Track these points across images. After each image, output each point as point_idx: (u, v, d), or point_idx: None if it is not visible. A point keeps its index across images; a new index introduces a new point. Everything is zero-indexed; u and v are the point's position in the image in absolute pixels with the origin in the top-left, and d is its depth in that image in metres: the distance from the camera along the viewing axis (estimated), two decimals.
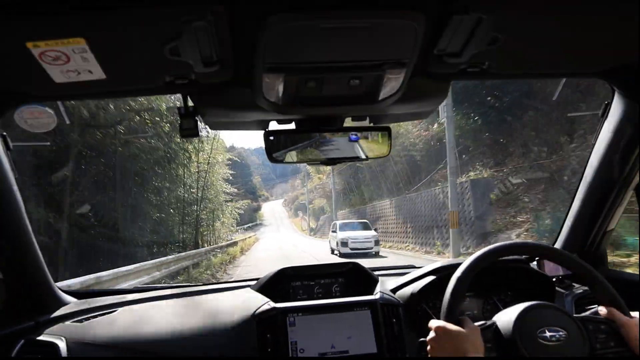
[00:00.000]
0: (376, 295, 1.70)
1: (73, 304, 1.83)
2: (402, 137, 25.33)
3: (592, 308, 1.29)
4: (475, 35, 1.00)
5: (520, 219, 14.98)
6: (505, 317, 1.22)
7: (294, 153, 1.39)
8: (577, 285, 1.77)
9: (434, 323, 1.20)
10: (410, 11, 0.92)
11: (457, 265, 1.31)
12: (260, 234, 54.95)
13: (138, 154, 14.96)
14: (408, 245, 22.67)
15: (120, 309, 1.78)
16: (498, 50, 1.09)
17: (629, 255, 7.60)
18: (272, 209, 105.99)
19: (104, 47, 0.96)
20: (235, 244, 26.16)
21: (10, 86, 1.18)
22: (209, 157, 22.83)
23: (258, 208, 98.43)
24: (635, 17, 1.03)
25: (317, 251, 23.61)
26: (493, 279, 1.77)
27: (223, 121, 1.46)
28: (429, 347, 1.19)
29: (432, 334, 1.19)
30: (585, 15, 1.03)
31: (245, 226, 70.18)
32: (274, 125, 1.47)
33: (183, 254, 14.42)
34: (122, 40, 0.96)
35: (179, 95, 1.36)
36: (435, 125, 22.05)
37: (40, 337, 1.58)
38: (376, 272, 1.93)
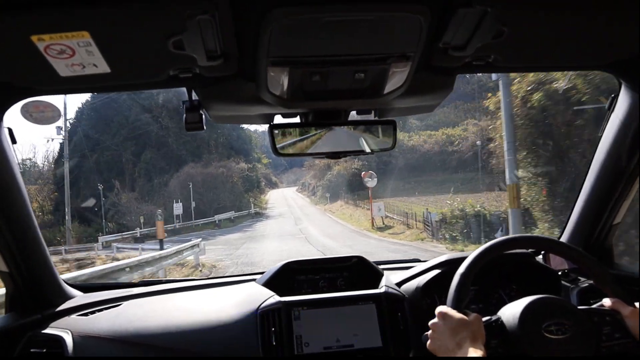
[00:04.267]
0: (381, 289, 1.70)
1: (78, 297, 1.84)
2: None
3: (598, 301, 1.29)
4: (480, 28, 0.99)
5: None
6: (511, 311, 1.22)
7: (298, 146, 1.39)
8: (582, 279, 1.77)
9: (438, 308, 1.21)
10: (415, 4, 0.92)
11: (463, 259, 1.31)
12: (254, 239, 23.88)
13: None
14: None
15: (125, 303, 1.79)
16: (503, 43, 1.09)
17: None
18: (284, 196, 71.91)
19: (108, 40, 0.96)
20: None
21: (15, 80, 1.18)
22: None
23: (255, 183, 59.21)
24: None
25: None
26: (498, 273, 1.77)
27: (228, 115, 1.46)
28: (429, 332, 1.20)
29: (434, 319, 1.20)
30: (591, 7, 1.02)
31: (218, 218, 39.71)
32: (278, 119, 1.47)
33: None
34: (126, 34, 0.96)
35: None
36: None
37: (46, 331, 1.59)
38: (381, 266, 1.93)
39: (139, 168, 51.49)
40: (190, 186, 45.82)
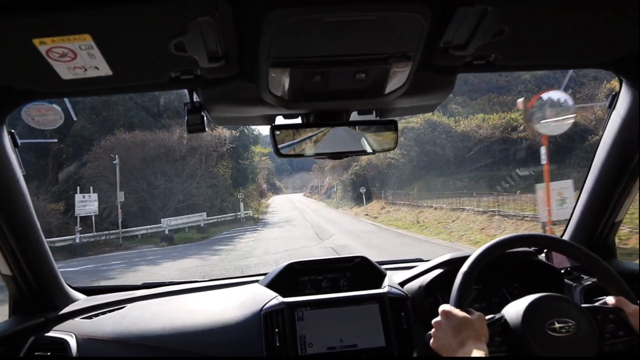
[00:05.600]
0: (384, 289, 1.70)
1: (82, 300, 1.84)
2: None
3: (601, 299, 1.29)
4: (480, 28, 0.99)
5: None
6: (514, 309, 1.22)
7: (300, 147, 1.39)
8: (585, 277, 1.77)
9: (441, 307, 1.21)
10: (415, 4, 0.92)
11: (466, 258, 1.31)
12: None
13: None
14: None
15: (129, 305, 1.79)
16: (504, 42, 1.09)
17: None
18: (290, 200, 63.69)
19: (110, 43, 0.96)
20: None
21: (17, 83, 1.18)
22: None
23: (249, 175, 39.25)
24: None
25: None
26: (501, 271, 1.76)
27: (229, 116, 1.46)
28: (432, 331, 1.20)
29: (437, 318, 1.20)
30: (591, 5, 1.02)
31: (167, 225, 23.45)
32: (280, 120, 1.47)
33: None
34: (127, 36, 0.97)
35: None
36: None
37: (50, 334, 1.59)
38: (384, 266, 1.94)
39: (67, 146, 29.27)
40: (117, 164, 24.31)
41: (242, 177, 36.95)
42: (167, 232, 22.95)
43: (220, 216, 29.89)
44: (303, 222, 26.91)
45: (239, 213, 32.02)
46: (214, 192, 31.42)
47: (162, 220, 23.60)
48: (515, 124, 35.75)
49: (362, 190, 33.31)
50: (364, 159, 33.88)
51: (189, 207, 28.42)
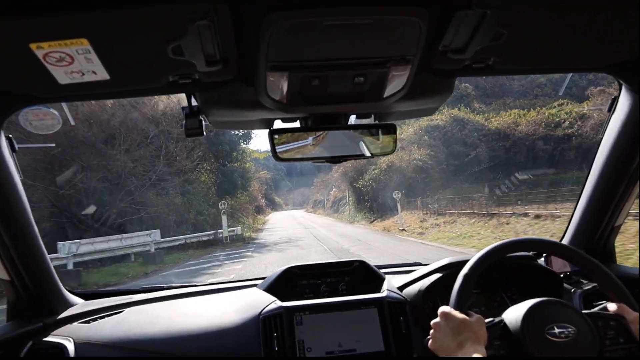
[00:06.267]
0: (383, 293, 1.69)
1: (80, 304, 1.84)
2: None
3: (601, 304, 1.29)
4: (479, 31, 0.99)
5: None
6: (513, 314, 1.22)
7: (299, 151, 1.39)
8: (585, 282, 1.76)
9: (441, 308, 1.20)
10: (413, 7, 0.92)
11: (465, 262, 1.31)
12: None
13: None
14: None
15: (127, 310, 1.78)
16: (503, 45, 1.08)
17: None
18: (292, 216, 56.36)
19: (107, 47, 0.96)
20: None
21: (14, 88, 1.18)
22: None
23: (238, 179, 29.32)
24: None
25: None
26: (501, 276, 1.76)
27: (227, 120, 1.46)
28: (431, 332, 1.19)
29: (436, 319, 1.20)
30: (590, 8, 1.02)
31: (71, 254, 13.08)
32: (278, 124, 1.47)
33: None
34: (125, 40, 0.96)
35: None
36: None
37: (48, 338, 1.59)
38: (382, 270, 1.93)
39: None
40: None
41: (229, 183, 28.26)
42: (70, 266, 14.13)
43: (184, 236, 20.07)
44: (315, 243, 18.74)
45: (220, 231, 22.60)
46: (186, 202, 22.43)
47: (60, 245, 14.09)
48: (558, 119, 31.49)
49: (396, 195, 24.77)
50: (383, 160, 28.90)
51: (142, 222, 19.01)
